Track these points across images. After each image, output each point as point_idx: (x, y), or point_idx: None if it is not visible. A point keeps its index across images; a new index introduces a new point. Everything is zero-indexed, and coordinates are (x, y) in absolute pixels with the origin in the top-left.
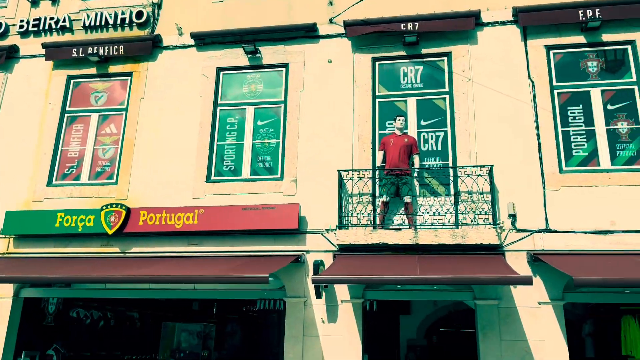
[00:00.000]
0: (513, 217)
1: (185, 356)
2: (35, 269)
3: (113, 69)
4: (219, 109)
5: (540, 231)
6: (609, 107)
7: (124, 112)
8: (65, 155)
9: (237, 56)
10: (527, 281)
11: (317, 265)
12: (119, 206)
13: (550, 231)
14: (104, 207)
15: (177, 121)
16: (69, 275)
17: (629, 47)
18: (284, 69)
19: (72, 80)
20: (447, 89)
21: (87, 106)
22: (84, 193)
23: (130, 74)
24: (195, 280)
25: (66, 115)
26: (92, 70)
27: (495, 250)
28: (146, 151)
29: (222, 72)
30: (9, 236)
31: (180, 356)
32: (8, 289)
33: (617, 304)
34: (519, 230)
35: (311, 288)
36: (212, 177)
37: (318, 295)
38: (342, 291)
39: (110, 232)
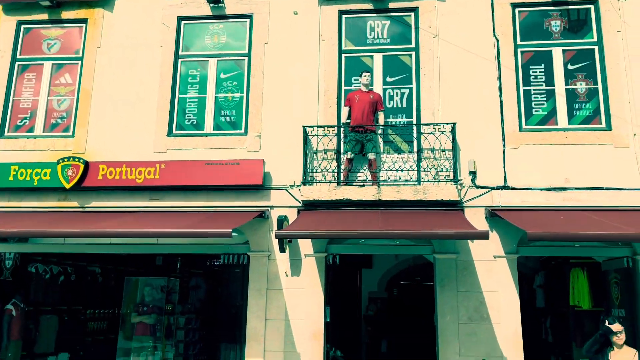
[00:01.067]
0: (473, 174)
1: (149, 310)
2: None
3: (66, 14)
4: (180, 60)
5: (498, 188)
6: (570, 66)
7: (79, 62)
8: (17, 106)
9: (199, 5)
10: (483, 235)
11: (281, 220)
12: (77, 159)
13: (507, 188)
14: (61, 161)
15: (136, 72)
16: (26, 229)
17: (592, 7)
18: (248, 20)
19: (23, 26)
20: (413, 45)
21: (40, 54)
22: (39, 146)
23: (85, 20)
24: (157, 235)
25: (17, 63)
26: (44, 16)
27: (455, 206)
28: (104, 103)
29: (183, 22)
30: None
31: (144, 310)
32: None
33: (568, 258)
34: (478, 187)
35: (275, 243)
36: (174, 131)
37: (282, 250)
38: (305, 246)
39: (67, 186)
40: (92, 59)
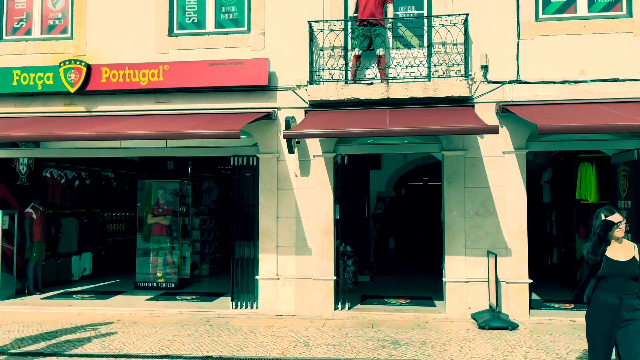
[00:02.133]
0: (485, 68)
1: (164, 211)
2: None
3: None
4: None
5: (510, 82)
6: None
7: None
8: (12, 8)
9: None
10: (493, 130)
11: (289, 121)
12: (78, 62)
13: (520, 82)
14: (62, 64)
15: None
16: (35, 133)
17: None
18: None
19: None
20: None
21: None
22: (39, 49)
23: None
24: (165, 137)
25: None
26: None
27: (466, 102)
28: (101, 2)
29: None
30: None
31: (159, 212)
32: None
33: (577, 152)
34: (490, 82)
35: (284, 144)
36: (175, 31)
37: (290, 151)
38: (314, 146)
39: (72, 90)
40: None
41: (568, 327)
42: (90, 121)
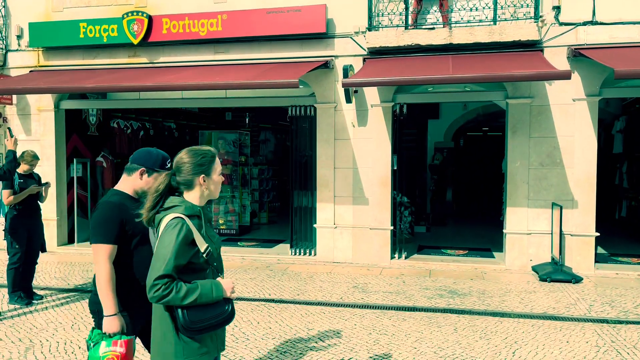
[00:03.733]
0: (557, 9)
1: (224, 161)
2: (70, 79)
3: None
4: None
5: (585, 24)
6: None
7: None
8: None
9: None
10: (565, 75)
11: (347, 69)
12: (140, 14)
13: (595, 23)
14: (125, 16)
15: None
16: (103, 84)
17: None
18: None
19: None
20: None
21: None
22: (102, 1)
23: None
24: (225, 87)
25: None
26: None
27: (534, 47)
28: None
29: None
30: (37, 49)
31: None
32: (48, 101)
33: None
34: (562, 24)
35: (341, 93)
36: None
37: (348, 100)
38: (372, 96)
39: (135, 41)
40: None
41: (636, 281)
42: (153, 72)
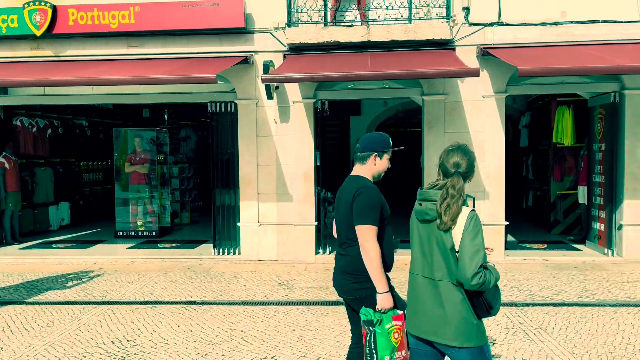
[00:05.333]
0: (467, 10)
1: (142, 160)
2: None
3: None
4: None
5: (492, 24)
6: None
7: None
8: None
9: None
10: (474, 73)
11: (267, 65)
12: (43, 3)
13: (501, 24)
14: (26, 5)
15: None
16: (2, 79)
17: None
18: None
19: None
20: None
21: None
22: None
23: None
24: (139, 82)
25: None
26: None
27: (447, 46)
28: None
29: None
30: None
31: (136, 160)
32: None
33: (554, 96)
34: (471, 24)
35: (262, 89)
36: None
37: (269, 97)
38: (293, 92)
39: (38, 33)
40: None
41: (541, 266)
42: (60, 66)
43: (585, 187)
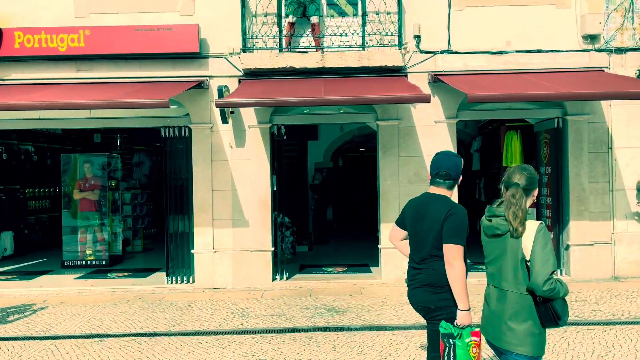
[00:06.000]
0: (418, 38)
1: (91, 186)
2: None
3: None
4: None
5: (442, 52)
6: None
7: None
8: None
9: None
10: (425, 99)
11: (222, 90)
12: None
13: (451, 52)
14: None
15: None
16: None
17: None
18: None
19: None
20: None
21: None
22: None
23: None
24: (88, 106)
25: None
26: None
27: (399, 72)
28: None
29: None
30: None
31: (85, 186)
32: None
33: (503, 121)
34: (422, 52)
35: (217, 114)
36: None
37: (224, 121)
38: (249, 117)
39: None
40: None
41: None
42: (4, 90)
43: (534, 209)
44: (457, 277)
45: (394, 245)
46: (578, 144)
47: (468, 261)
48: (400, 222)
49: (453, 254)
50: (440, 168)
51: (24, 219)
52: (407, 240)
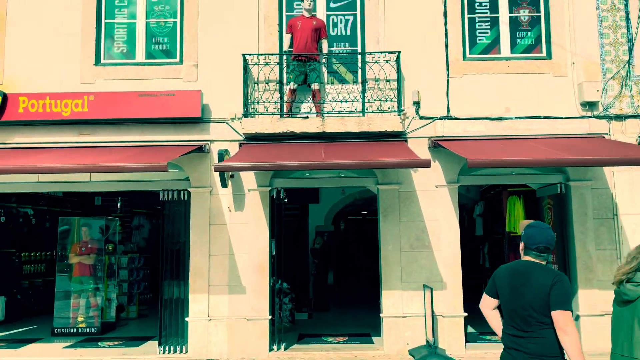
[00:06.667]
0: (417, 104)
1: (88, 250)
2: None
3: None
4: None
5: (441, 118)
6: None
7: None
8: None
9: None
10: (426, 164)
11: (222, 154)
12: None
13: (450, 118)
14: None
15: None
16: None
17: None
18: None
19: None
20: None
21: None
22: None
23: None
24: (87, 170)
25: None
26: None
27: (399, 137)
28: (22, 28)
29: None
30: None
31: (82, 250)
32: None
33: (505, 186)
34: (421, 118)
35: (217, 178)
36: (102, 60)
37: (224, 185)
38: (248, 180)
39: None
40: None
41: None
42: (5, 153)
43: None
44: (572, 342)
45: (485, 315)
46: (582, 210)
47: (474, 331)
48: (492, 291)
49: (565, 321)
50: (540, 243)
51: (18, 284)
52: (497, 310)
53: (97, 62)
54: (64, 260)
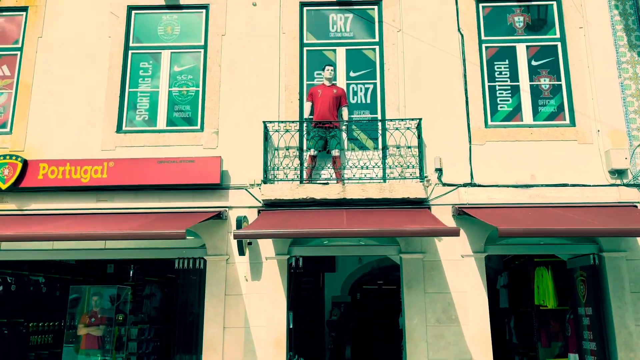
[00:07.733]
0: (439, 171)
1: (97, 320)
2: None
3: (5, 1)
4: (130, 52)
5: (465, 185)
6: (533, 62)
7: (18, 52)
8: None
9: None
10: (454, 232)
11: (240, 221)
12: (14, 157)
13: (474, 185)
14: None
15: (83, 64)
16: None
17: (554, 4)
18: (204, 10)
19: None
20: (377, 39)
21: None
22: None
23: (25, 8)
24: (102, 237)
25: None
26: None
27: (422, 204)
28: (46, 97)
29: (133, 11)
30: None
31: (91, 321)
32: None
33: (532, 257)
34: (444, 185)
35: (234, 245)
36: (124, 128)
37: (241, 253)
38: (266, 248)
39: (3, 187)
40: (33, 50)
41: None
42: (21, 220)
43: (577, 355)
44: None
45: None
46: (619, 283)
47: None
48: None
49: None
50: None
51: (25, 356)
52: None
53: (119, 129)
54: (72, 329)
